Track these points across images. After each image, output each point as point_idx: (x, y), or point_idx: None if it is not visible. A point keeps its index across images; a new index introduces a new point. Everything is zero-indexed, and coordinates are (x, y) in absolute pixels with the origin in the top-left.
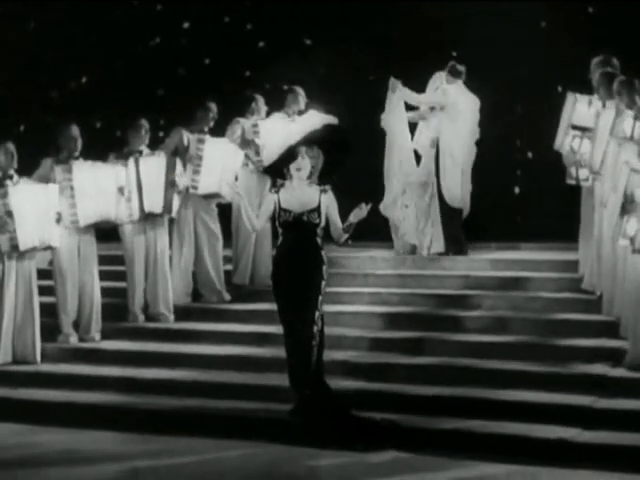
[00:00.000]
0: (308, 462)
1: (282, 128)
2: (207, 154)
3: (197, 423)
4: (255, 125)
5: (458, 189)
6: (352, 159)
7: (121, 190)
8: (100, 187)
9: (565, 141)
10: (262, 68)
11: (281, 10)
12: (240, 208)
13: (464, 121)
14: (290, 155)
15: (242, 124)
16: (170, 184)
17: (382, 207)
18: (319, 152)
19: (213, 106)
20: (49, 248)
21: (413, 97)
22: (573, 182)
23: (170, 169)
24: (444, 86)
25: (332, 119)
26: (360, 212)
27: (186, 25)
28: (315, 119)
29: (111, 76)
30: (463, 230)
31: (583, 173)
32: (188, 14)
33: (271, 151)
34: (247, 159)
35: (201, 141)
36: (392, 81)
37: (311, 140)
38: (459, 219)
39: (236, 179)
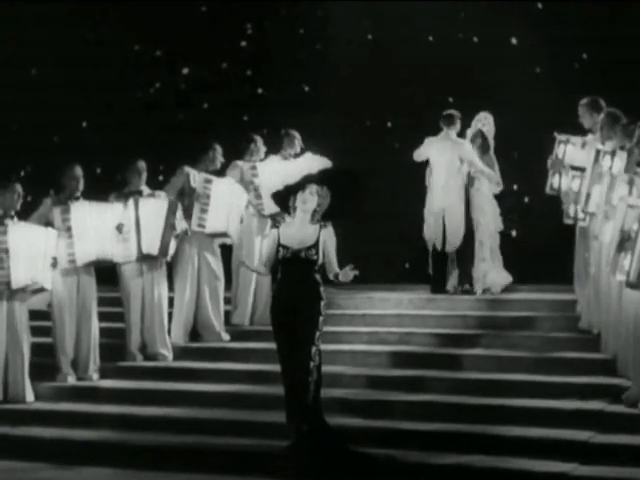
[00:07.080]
0: None
1: (280, 170)
2: (214, 193)
3: (194, 459)
4: (254, 167)
5: None
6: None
7: (119, 228)
8: (98, 226)
9: (563, 181)
10: (260, 113)
11: (280, 56)
12: (242, 249)
13: None
14: (299, 188)
15: (240, 167)
16: (170, 227)
17: None
18: (328, 193)
19: (218, 147)
20: (41, 290)
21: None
22: (571, 222)
23: (171, 212)
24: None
25: (327, 162)
26: (347, 275)
27: (185, 71)
28: (312, 162)
29: (111, 120)
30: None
31: (581, 212)
32: (187, 60)
33: (269, 193)
34: (247, 202)
35: (208, 180)
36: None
37: (324, 178)
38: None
39: (241, 221)
